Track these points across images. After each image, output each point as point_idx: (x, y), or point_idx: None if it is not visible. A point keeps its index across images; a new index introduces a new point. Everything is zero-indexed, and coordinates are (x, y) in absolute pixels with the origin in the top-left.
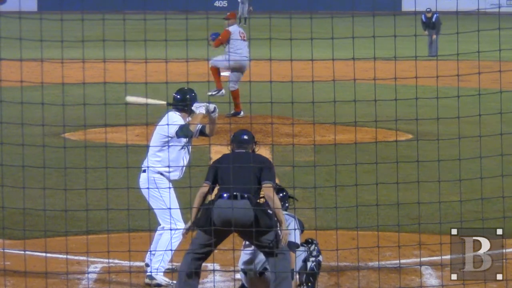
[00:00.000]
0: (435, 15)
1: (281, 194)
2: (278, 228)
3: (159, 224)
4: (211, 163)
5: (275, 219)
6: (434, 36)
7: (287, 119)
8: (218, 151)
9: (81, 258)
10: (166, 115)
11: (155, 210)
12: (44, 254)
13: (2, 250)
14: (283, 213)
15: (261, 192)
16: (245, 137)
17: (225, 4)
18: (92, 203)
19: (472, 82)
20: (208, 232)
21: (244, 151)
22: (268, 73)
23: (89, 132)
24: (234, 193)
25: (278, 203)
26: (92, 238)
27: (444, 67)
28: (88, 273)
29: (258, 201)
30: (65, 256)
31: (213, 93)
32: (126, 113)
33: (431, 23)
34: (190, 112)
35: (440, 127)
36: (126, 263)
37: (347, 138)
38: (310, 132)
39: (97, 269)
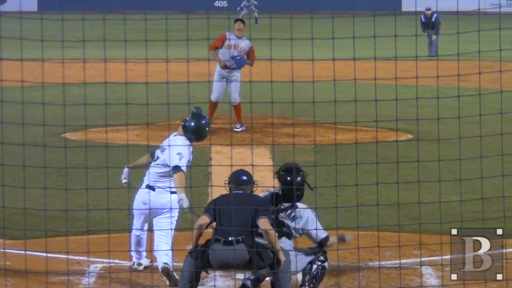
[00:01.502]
0: (434, 15)
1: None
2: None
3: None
4: (211, 200)
5: (271, 255)
6: (434, 37)
7: (287, 119)
8: (219, 151)
9: (82, 258)
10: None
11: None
12: (44, 254)
13: (2, 250)
14: (300, 205)
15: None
16: (244, 178)
17: (225, 4)
18: (92, 203)
19: (472, 82)
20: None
21: (242, 192)
22: (268, 73)
23: (89, 132)
24: (230, 239)
25: (273, 235)
26: (92, 238)
27: (444, 67)
28: (88, 273)
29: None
30: (65, 256)
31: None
32: (127, 113)
33: (430, 23)
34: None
35: (440, 127)
36: (126, 263)
37: (347, 138)
38: (310, 132)
39: (98, 269)
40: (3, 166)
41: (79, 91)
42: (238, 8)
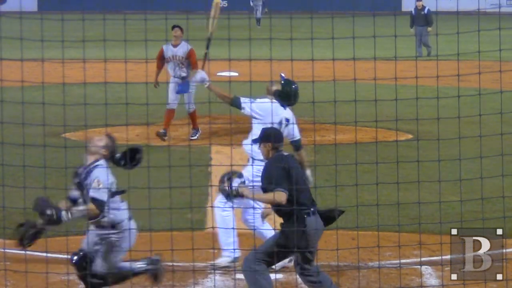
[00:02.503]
0: (426, 8)
1: None
2: None
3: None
4: (276, 165)
5: None
6: (430, 29)
7: None
8: (219, 151)
9: None
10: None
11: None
12: (44, 254)
13: (2, 250)
14: None
15: None
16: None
17: (225, 4)
18: None
19: (472, 82)
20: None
21: (286, 152)
22: (268, 73)
23: (89, 132)
24: (312, 209)
25: None
26: None
27: (444, 67)
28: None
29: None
30: (65, 256)
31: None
32: (127, 113)
33: (421, 16)
34: None
35: (440, 127)
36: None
37: (347, 138)
38: (310, 132)
39: None
40: (3, 166)
41: (79, 91)
42: (252, 4)
